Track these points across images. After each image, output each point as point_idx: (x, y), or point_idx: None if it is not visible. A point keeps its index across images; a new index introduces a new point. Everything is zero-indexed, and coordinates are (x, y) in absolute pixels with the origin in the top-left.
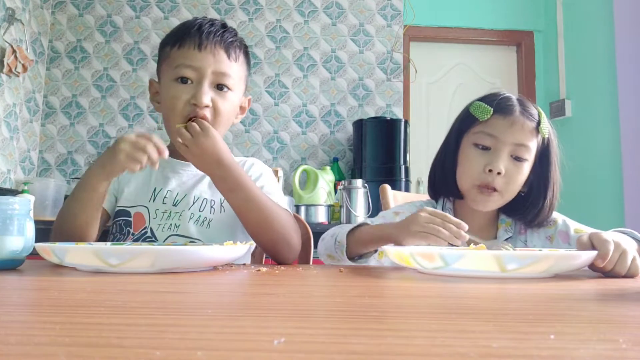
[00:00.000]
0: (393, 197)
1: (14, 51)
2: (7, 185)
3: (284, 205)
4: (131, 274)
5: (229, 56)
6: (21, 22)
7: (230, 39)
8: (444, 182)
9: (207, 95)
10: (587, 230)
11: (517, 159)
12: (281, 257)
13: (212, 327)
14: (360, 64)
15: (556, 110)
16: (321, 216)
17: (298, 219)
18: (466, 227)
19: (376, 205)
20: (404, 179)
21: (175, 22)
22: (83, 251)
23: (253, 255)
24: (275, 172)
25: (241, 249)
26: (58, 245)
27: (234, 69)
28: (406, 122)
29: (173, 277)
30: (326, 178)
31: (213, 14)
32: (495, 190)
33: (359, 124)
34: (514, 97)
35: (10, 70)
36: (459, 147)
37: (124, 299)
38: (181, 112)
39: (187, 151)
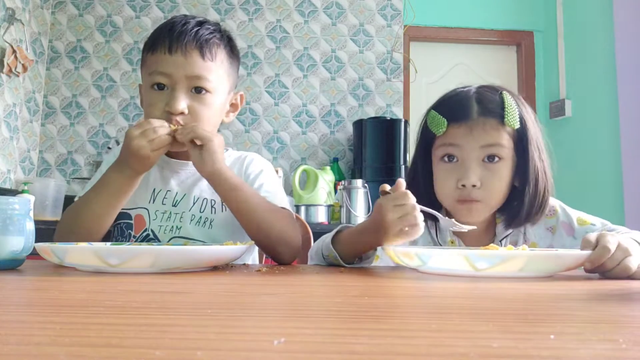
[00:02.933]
0: None
1: (14, 51)
2: (7, 185)
3: (284, 204)
4: (131, 274)
5: (203, 56)
6: (21, 22)
7: (206, 36)
8: (425, 200)
9: (181, 101)
10: (590, 219)
11: (490, 159)
12: (282, 258)
13: (212, 327)
14: (360, 64)
15: (556, 110)
16: (321, 216)
17: (298, 219)
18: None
19: None
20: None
21: None
22: (83, 251)
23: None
24: (275, 172)
25: (241, 249)
26: (58, 245)
27: (211, 69)
28: (406, 122)
29: (173, 277)
30: (326, 178)
31: (213, 14)
32: (475, 201)
33: (359, 124)
34: (472, 90)
35: (10, 70)
36: (427, 162)
37: (124, 299)
38: (159, 119)
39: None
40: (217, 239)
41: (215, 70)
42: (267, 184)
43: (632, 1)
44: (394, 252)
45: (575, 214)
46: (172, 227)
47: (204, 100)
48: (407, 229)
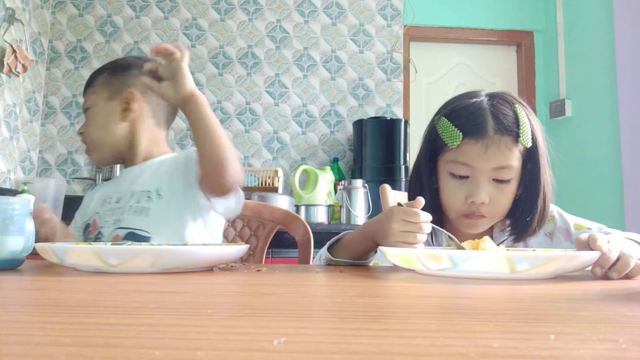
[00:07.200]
0: (393, 197)
1: (14, 51)
2: (7, 185)
3: None
4: (131, 274)
5: (85, 97)
6: (21, 22)
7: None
8: (427, 204)
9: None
10: (586, 224)
11: (500, 181)
12: (229, 181)
13: (212, 327)
14: (360, 64)
15: (556, 110)
16: (321, 216)
17: (298, 219)
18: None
19: (376, 205)
20: (404, 179)
21: (175, 22)
22: (83, 251)
23: (253, 255)
24: (275, 172)
25: (241, 249)
26: (58, 245)
27: (91, 101)
28: (406, 122)
29: (173, 277)
30: (326, 178)
31: (213, 14)
32: (482, 216)
33: (359, 124)
34: (485, 101)
35: (10, 70)
36: (434, 169)
37: (124, 299)
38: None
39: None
40: (154, 226)
41: (90, 99)
42: None
43: (632, 1)
44: (416, 255)
45: (572, 219)
46: (115, 220)
47: (89, 124)
48: (402, 243)
